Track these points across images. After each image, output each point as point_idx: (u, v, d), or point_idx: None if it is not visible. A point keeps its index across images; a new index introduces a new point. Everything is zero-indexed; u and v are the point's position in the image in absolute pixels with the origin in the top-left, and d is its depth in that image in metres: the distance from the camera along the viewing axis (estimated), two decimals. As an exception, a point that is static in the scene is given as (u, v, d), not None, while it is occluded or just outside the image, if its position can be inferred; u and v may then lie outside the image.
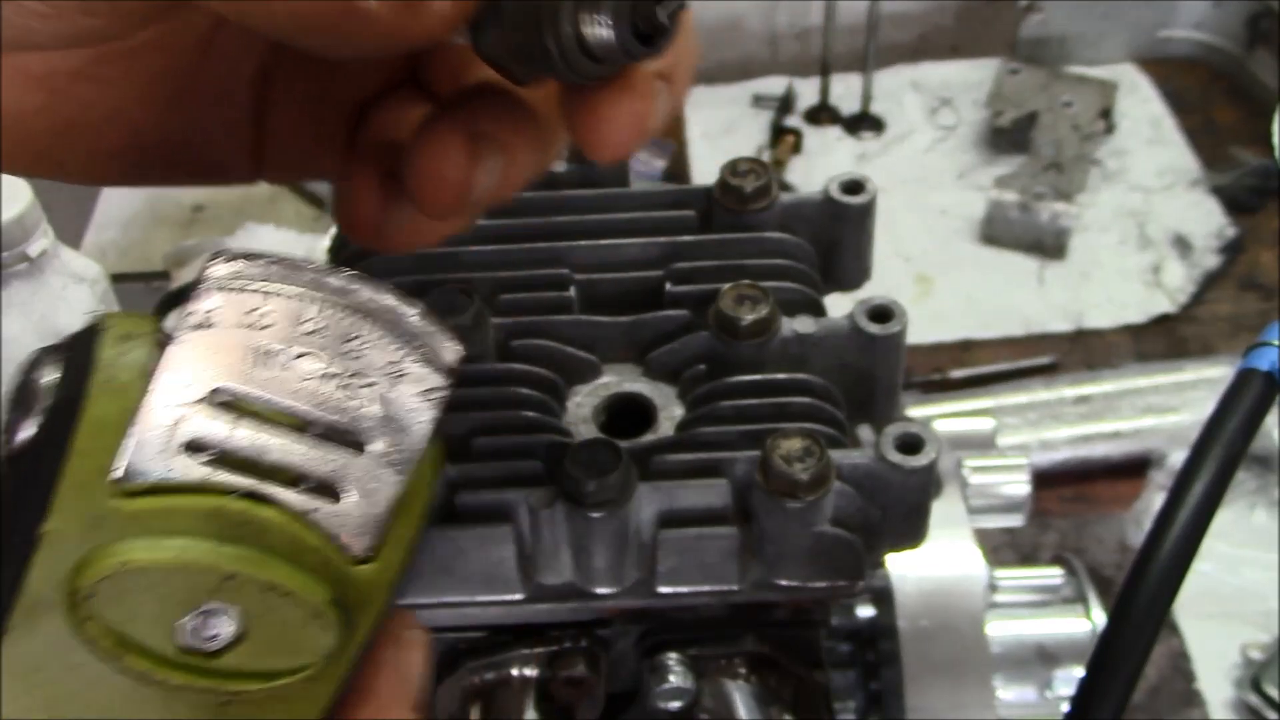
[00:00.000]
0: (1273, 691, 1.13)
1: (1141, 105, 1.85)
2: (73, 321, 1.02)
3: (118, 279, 1.49)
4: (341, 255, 0.71)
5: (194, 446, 0.35)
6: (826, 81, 1.85)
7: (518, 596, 0.60)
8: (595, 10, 0.38)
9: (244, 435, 0.35)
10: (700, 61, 0.44)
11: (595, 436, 0.63)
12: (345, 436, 0.36)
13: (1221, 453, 0.63)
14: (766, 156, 1.77)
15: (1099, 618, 0.84)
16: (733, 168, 0.70)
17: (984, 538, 0.81)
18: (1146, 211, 1.69)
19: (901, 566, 0.78)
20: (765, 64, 2.04)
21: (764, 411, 0.61)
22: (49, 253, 1.02)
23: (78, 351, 0.38)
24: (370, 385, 0.37)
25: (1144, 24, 1.88)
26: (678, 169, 1.75)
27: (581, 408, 0.65)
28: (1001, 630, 0.83)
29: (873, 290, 0.68)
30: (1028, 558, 1.29)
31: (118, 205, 1.82)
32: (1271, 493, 1.31)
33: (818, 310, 0.67)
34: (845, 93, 1.88)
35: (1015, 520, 0.88)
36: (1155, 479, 1.31)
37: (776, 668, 0.64)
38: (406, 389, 0.37)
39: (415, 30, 0.36)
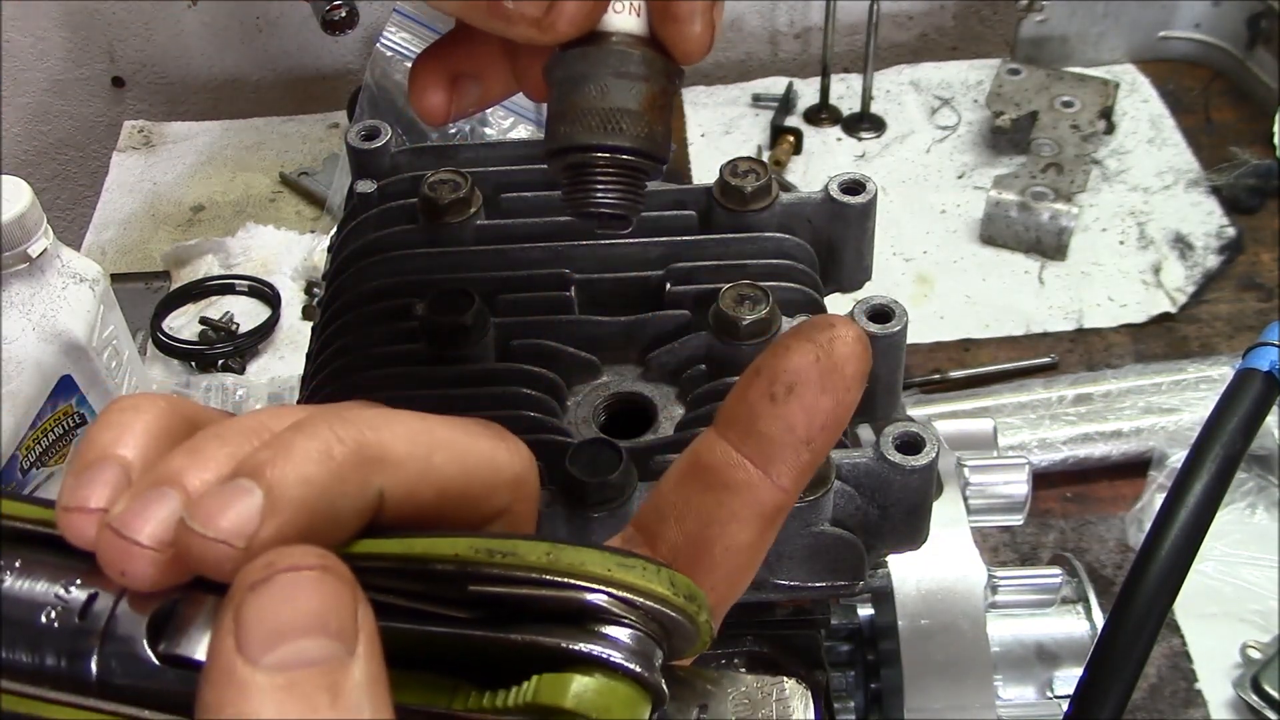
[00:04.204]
0: (1273, 691, 1.13)
1: (1141, 105, 1.85)
2: (72, 321, 1.02)
3: (118, 279, 1.49)
4: (341, 254, 0.71)
5: None
6: (826, 81, 1.85)
7: (518, 596, 0.60)
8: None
9: None
10: (700, 61, 0.47)
11: (595, 436, 0.63)
12: None
13: (1221, 453, 0.63)
14: (766, 156, 1.77)
15: (1099, 618, 0.84)
16: (733, 168, 0.70)
17: (984, 538, 0.81)
18: (1146, 211, 1.69)
19: (901, 566, 0.78)
20: (765, 64, 2.04)
21: (764, 411, 0.61)
22: (49, 253, 1.02)
23: None
24: None
25: (1144, 24, 1.88)
26: (678, 169, 1.75)
27: (581, 408, 0.65)
28: (1001, 630, 0.83)
29: (873, 290, 0.68)
30: (1028, 558, 1.29)
31: (118, 205, 1.82)
32: (1271, 493, 1.31)
33: (818, 310, 0.67)
34: (845, 93, 1.88)
35: (1015, 520, 0.87)
36: (1155, 479, 1.31)
37: (776, 668, 0.64)
38: None
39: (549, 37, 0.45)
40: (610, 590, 0.33)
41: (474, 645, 0.34)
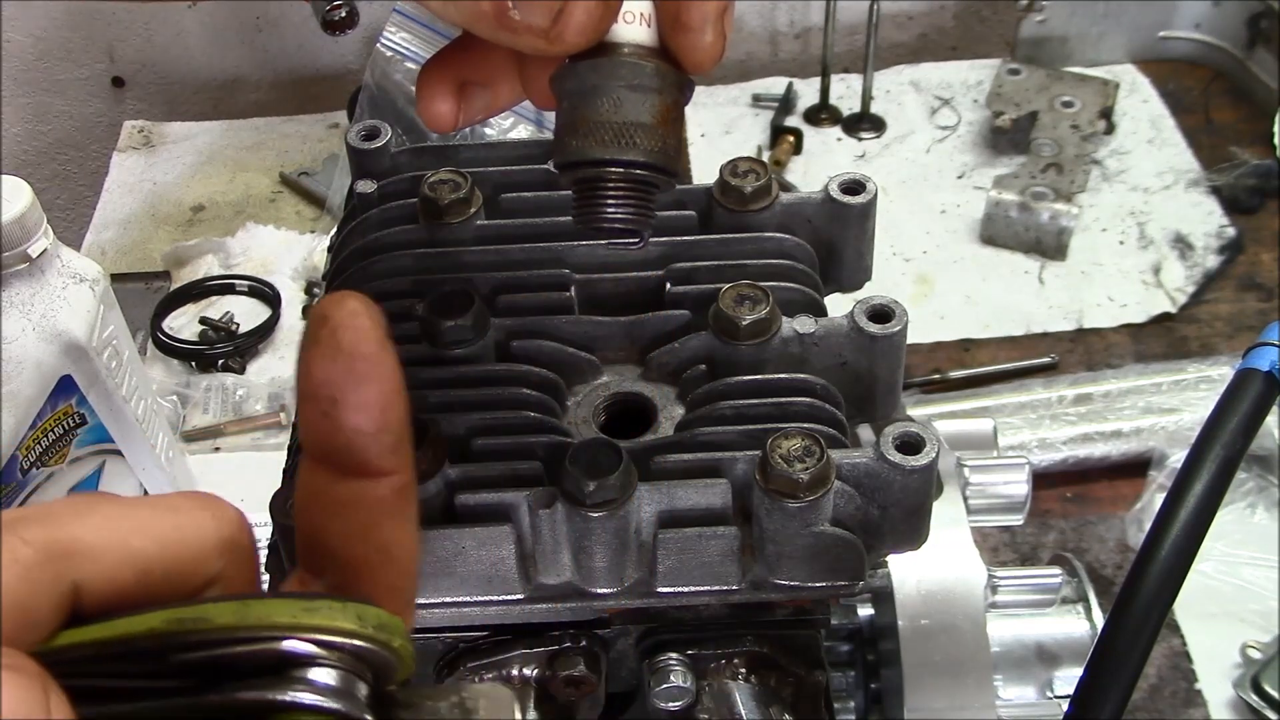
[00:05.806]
0: (1273, 691, 1.13)
1: (1141, 105, 1.85)
2: (72, 321, 1.02)
3: (118, 279, 1.49)
4: (341, 254, 0.72)
5: None
6: (826, 81, 1.85)
7: (518, 596, 0.60)
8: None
9: None
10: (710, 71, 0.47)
11: (595, 436, 0.63)
12: None
13: (1221, 453, 0.63)
14: (766, 156, 1.77)
15: (1099, 618, 0.84)
16: (733, 168, 0.70)
17: (984, 538, 0.81)
18: (1146, 211, 1.69)
19: (901, 566, 0.78)
20: (765, 64, 2.04)
21: (764, 412, 0.61)
22: (49, 253, 1.02)
23: None
24: None
25: (1144, 24, 1.88)
26: (678, 169, 1.75)
27: (581, 408, 0.65)
28: (1001, 630, 0.83)
29: (873, 290, 0.68)
30: (1028, 558, 1.29)
31: (118, 205, 1.82)
32: (1271, 493, 1.31)
33: (818, 310, 0.67)
34: (845, 93, 1.88)
35: (1015, 520, 0.87)
36: (1155, 479, 1.31)
37: (776, 668, 0.64)
38: None
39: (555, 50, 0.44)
40: (302, 635, 0.35)
41: (188, 711, 0.35)
